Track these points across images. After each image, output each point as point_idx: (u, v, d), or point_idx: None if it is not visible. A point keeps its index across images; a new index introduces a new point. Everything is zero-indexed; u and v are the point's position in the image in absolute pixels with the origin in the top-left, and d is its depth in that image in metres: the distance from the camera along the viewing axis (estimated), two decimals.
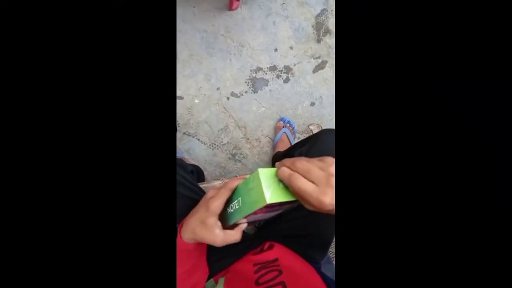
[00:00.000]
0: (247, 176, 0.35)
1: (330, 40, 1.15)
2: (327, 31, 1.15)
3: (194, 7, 1.05)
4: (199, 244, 0.40)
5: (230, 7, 1.05)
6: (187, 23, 1.04)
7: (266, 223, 0.59)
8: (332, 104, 1.13)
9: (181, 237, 0.38)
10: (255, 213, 0.34)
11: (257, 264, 0.46)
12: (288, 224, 0.54)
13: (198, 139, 1.02)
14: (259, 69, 1.08)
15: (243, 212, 0.35)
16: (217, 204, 0.35)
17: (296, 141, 1.06)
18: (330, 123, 1.13)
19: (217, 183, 0.63)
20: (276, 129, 1.06)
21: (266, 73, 1.09)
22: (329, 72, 1.14)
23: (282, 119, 1.06)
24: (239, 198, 0.36)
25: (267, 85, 1.08)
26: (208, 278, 0.47)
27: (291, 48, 1.11)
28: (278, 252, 0.48)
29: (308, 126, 1.11)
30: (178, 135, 1.01)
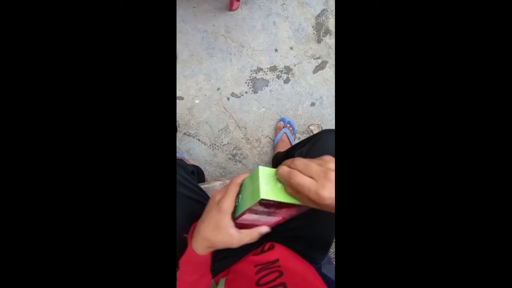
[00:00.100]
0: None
1: (330, 41, 1.15)
2: (327, 32, 1.15)
3: (194, 7, 1.05)
4: (210, 254, 0.39)
5: (230, 8, 1.06)
6: (187, 24, 1.04)
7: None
8: (332, 104, 1.13)
9: (192, 249, 0.37)
10: (253, 211, 0.34)
11: (258, 265, 0.45)
12: (289, 224, 0.54)
13: (199, 140, 1.02)
14: (259, 69, 1.08)
15: (241, 208, 0.35)
16: (228, 203, 0.35)
17: (297, 141, 1.06)
18: (330, 123, 1.13)
19: (217, 183, 0.63)
20: (277, 130, 1.06)
21: (266, 74, 1.09)
22: (329, 72, 1.14)
23: (282, 120, 1.06)
24: (240, 195, 0.36)
25: (267, 86, 1.08)
26: None
27: (291, 48, 1.12)
28: (279, 253, 0.48)
29: (308, 127, 1.11)
30: (179, 135, 1.01)
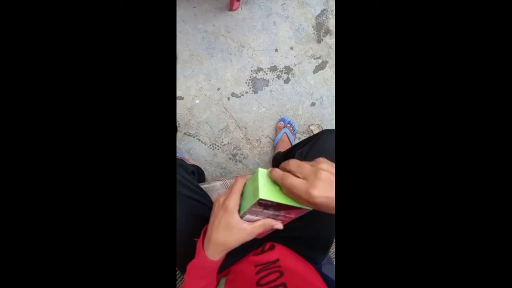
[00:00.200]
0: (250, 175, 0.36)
1: (330, 41, 1.15)
2: (327, 32, 1.15)
3: (194, 7, 1.05)
4: (222, 258, 0.39)
5: (230, 8, 1.06)
6: (187, 24, 1.04)
7: None
8: (332, 104, 1.13)
9: (206, 256, 0.37)
10: (254, 212, 0.35)
11: (258, 265, 0.45)
12: (289, 224, 0.54)
13: (199, 139, 1.02)
14: (259, 69, 1.08)
15: (243, 208, 0.35)
16: (233, 202, 0.35)
17: (297, 141, 1.06)
18: (330, 123, 1.13)
19: (217, 183, 0.63)
20: (277, 130, 1.06)
21: (266, 74, 1.09)
22: (330, 72, 1.14)
23: (282, 120, 1.06)
24: (242, 196, 0.37)
25: (267, 86, 1.08)
26: None
27: (291, 48, 1.11)
28: (279, 253, 0.48)
29: (308, 127, 1.11)
30: (179, 135, 1.01)
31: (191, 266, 0.40)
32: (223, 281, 0.46)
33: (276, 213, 0.36)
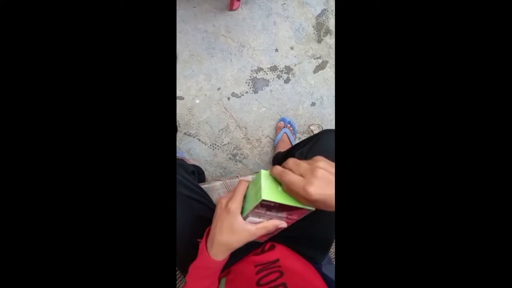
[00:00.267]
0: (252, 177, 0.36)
1: (330, 40, 1.15)
2: (327, 32, 1.15)
3: (194, 7, 1.05)
4: (226, 258, 0.40)
5: (230, 8, 1.06)
6: (187, 24, 1.04)
7: None
8: (332, 104, 1.13)
9: (210, 256, 0.37)
10: (256, 213, 0.35)
11: (258, 265, 0.45)
12: (290, 225, 0.54)
13: (199, 139, 1.02)
14: (259, 69, 1.08)
15: (246, 210, 0.36)
16: (236, 204, 0.36)
17: (297, 141, 1.06)
18: (331, 123, 1.13)
19: (218, 183, 0.63)
20: (277, 129, 1.06)
21: (266, 73, 1.09)
22: (330, 72, 1.14)
23: (282, 119, 1.06)
24: (244, 198, 0.37)
25: (267, 85, 1.08)
26: None
27: (291, 48, 1.11)
28: (279, 253, 0.48)
29: (309, 126, 1.11)
30: (179, 135, 1.01)
31: (194, 267, 0.40)
32: (223, 281, 0.46)
33: (279, 214, 0.36)
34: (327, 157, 0.34)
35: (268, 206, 0.33)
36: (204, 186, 0.61)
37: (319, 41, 1.14)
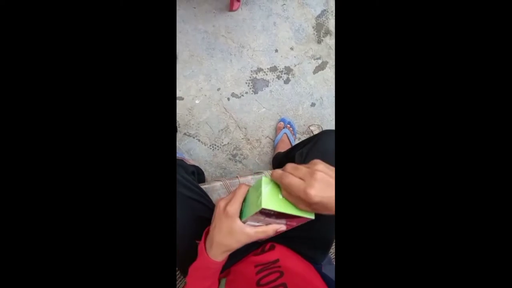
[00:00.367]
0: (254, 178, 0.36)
1: (330, 41, 1.15)
2: (327, 32, 1.15)
3: (194, 8, 1.05)
4: (225, 259, 0.40)
5: (230, 8, 1.06)
6: (187, 24, 1.04)
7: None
8: (332, 104, 1.13)
9: (209, 256, 0.38)
10: (255, 219, 0.35)
11: (258, 265, 0.45)
12: None
13: (199, 140, 1.02)
14: (259, 69, 1.08)
15: (245, 215, 0.36)
16: (235, 208, 0.36)
17: (297, 141, 1.06)
18: (330, 123, 1.13)
19: (217, 184, 0.63)
20: (277, 130, 1.06)
21: (266, 74, 1.09)
22: (330, 72, 1.14)
23: (282, 120, 1.06)
24: (244, 202, 0.37)
25: (267, 86, 1.08)
26: None
27: (291, 49, 1.12)
28: (279, 253, 0.48)
29: (308, 127, 1.11)
30: (179, 135, 1.01)
31: (193, 268, 0.40)
32: (223, 281, 0.46)
33: (278, 221, 0.36)
34: (327, 157, 0.34)
35: (267, 214, 0.34)
36: (204, 186, 0.61)
37: (319, 41, 1.14)
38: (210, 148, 1.03)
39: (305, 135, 1.11)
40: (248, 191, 0.38)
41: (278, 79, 1.09)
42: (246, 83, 1.07)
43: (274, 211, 0.33)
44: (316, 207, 0.32)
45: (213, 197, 0.61)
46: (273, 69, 1.09)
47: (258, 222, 0.36)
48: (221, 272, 0.50)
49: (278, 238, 0.52)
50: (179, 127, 1.01)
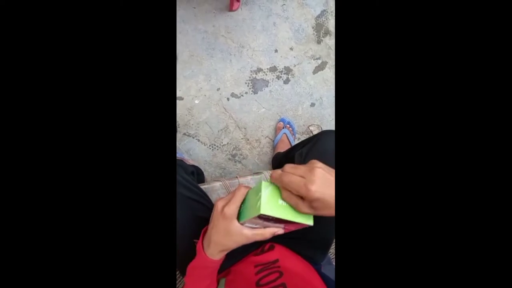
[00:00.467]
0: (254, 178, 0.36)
1: (330, 41, 1.15)
2: (327, 32, 1.16)
3: (194, 8, 1.05)
4: (222, 258, 0.40)
5: (230, 8, 1.06)
6: (187, 24, 1.04)
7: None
8: (332, 105, 1.13)
9: (206, 255, 0.38)
10: (253, 222, 0.35)
11: (258, 265, 0.46)
12: None
13: (198, 140, 1.02)
14: (259, 70, 1.08)
15: (243, 217, 0.36)
16: (232, 210, 0.36)
17: (296, 142, 1.06)
18: (330, 124, 1.13)
19: (217, 184, 0.63)
20: (276, 130, 1.06)
21: (266, 74, 1.09)
22: (329, 73, 1.14)
23: (282, 120, 1.06)
24: (243, 204, 0.37)
25: (267, 86, 1.08)
26: None
27: (291, 49, 1.12)
28: (278, 253, 0.48)
29: (308, 127, 1.11)
30: (178, 135, 1.01)
31: (191, 267, 0.40)
32: (223, 281, 0.46)
33: (276, 224, 0.36)
34: (326, 157, 0.35)
35: (265, 218, 0.34)
36: (203, 186, 0.61)
37: (319, 42, 1.14)
38: (210, 148, 1.03)
39: (304, 135, 1.11)
40: (247, 193, 0.38)
41: (278, 79, 1.09)
42: (246, 83, 1.07)
43: (273, 217, 0.33)
44: (316, 204, 0.31)
45: (213, 197, 0.61)
46: (273, 69, 1.09)
47: (256, 225, 0.36)
48: (221, 272, 0.50)
49: (278, 238, 0.52)
50: (178, 127, 1.01)
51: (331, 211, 0.32)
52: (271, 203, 0.33)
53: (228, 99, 1.05)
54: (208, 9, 1.06)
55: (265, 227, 0.37)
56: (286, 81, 1.10)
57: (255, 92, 1.07)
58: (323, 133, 0.54)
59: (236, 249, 0.38)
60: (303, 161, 0.53)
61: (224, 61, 1.06)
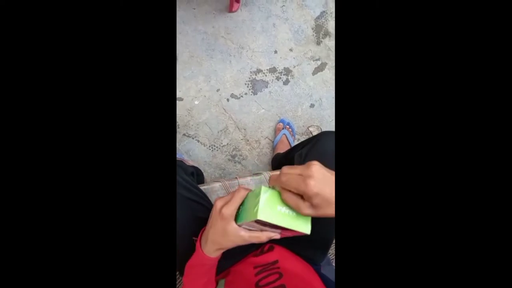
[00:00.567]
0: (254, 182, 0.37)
1: (329, 42, 1.15)
2: (326, 33, 1.16)
3: (194, 8, 1.05)
4: (219, 257, 0.40)
5: (230, 9, 1.06)
6: (187, 25, 1.04)
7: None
8: (331, 105, 1.13)
9: (204, 253, 0.39)
10: (250, 225, 0.35)
11: (257, 266, 0.46)
12: None
13: (198, 141, 1.02)
14: (259, 70, 1.08)
15: (240, 219, 0.36)
16: (230, 211, 0.36)
17: (296, 142, 1.06)
18: (329, 124, 1.13)
19: (217, 184, 0.63)
20: (276, 131, 1.06)
21: (266, 75, 1.09)
22: (329, 74, 1.14)
23: (281, 121, 1.06)
24: (241, 206, 0.38)
25: (267, 87, 1.09)
26: None
27: (290, 50, 1.12)
28: (278, 254, 0.48)
29: (307, 128, 1.11)
30: (178, 136, 1.01)
31: (189, 266, 0.41)
32: (222, 282, 0.46)
33: (273, 229, 0.36)
34: (326, 158, 0.35)
35: (262, 223, 0.34)
36: (203, 187, 0.61)
37: (318, 43, 1.15)
38: (210, 149, 1.03)
39: (304, 136, 1.11)
40: (247, 195, 0.38)
41: (277, 80, 1.10)
42: (246, 84, 1.07)
43: (271, 223, 0.33)
44: (316, 201, 0.31)
45: (212, 198, 0.61)
46: (272, 70, 1.10)
47: (253, 227, 0.37)
48: (220, 272, 0.50)
49: (277, 239, 0.52)
50: (178, 127, 1.01)
51: (331, 209, 0.32)
52: (269, 209, 0.33)
53: (227, 100, 1.05)
54: (208, 10, 1.06)
55: (262, 230, 0.37)
56: (286, 82, 1.10)
57: (254, 93, 1.07)
58: (323, 134, 0.54)
59: (236, 250, 0.38)
60: (303, 162, 0.53)
61: (224, 62, 1.06)
